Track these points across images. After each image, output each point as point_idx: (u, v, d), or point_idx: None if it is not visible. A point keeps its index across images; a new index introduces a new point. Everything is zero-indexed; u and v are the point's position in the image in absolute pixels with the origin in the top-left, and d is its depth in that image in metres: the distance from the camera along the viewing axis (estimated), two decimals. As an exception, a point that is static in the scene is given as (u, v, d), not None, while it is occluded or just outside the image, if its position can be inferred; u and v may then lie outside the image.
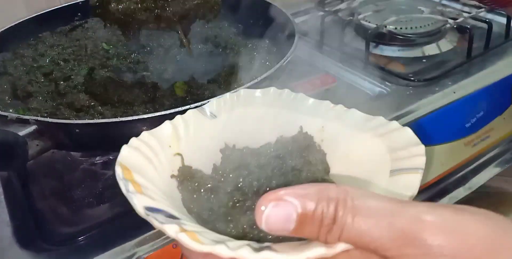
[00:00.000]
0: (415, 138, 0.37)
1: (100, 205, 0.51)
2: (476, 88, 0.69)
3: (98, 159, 0.53)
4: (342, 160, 0.40)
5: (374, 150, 0.38)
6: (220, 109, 0.42)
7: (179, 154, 0.38)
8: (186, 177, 0.37)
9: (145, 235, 0.45)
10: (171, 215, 0.29)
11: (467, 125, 0.68)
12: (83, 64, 0.61)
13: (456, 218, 0.23)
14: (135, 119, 0.41)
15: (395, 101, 0.65)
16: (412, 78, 0.70)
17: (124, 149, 0.34)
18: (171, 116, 0.40)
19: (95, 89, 0.55)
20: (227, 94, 0.43)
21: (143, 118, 0.41)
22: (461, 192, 0.67)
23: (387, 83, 0.70)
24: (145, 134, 0.36)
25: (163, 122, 0.39)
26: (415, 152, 0.36)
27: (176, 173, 0.37)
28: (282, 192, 0.24)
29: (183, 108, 0.41)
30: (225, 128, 0.42)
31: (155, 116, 0.41)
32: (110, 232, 0.46)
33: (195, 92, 0.54)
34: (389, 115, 0.61)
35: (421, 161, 0.34)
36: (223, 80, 0.56)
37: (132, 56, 0.65)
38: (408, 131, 0.38)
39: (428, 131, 0.65)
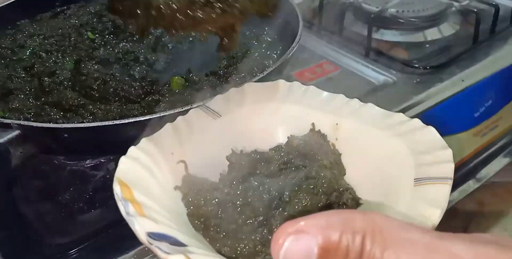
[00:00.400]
0: (441, 140, 0.34)
1: (92, 210, 0.47)
2: (485, 75, 0.65)
3: (88, 163, 0.49)
4: (359, 161, 0.37)
5: (395, 151, 0.35)
6: (225, 107, 0.38)
7: (182, 161, 0.34)
8: (191, 188, 0.33)
9: (144, 245, 0.42)
10: (176, 241, 0.26)
11: (476, 114, 0.65)
12: (68, 55, 0.56)
13: (499, 257, 0.20)
14: (131, 122, 0.37)
15: (402, 91, 0.62)
16: (418, 65, 0.66)
17: (122, 161, 0.30)
18: (169, 117, 0.36)
19: (84, 86, 0.50)
20: (232, 90, 0.39)
21: (139, 121, 0.37)
22: (471, 185, 0.65)
23: (391, 70, 0.67)
24: (144, 142, 0.33)
25: (161, 122, 0.36)
26: (442, 157, 0.33)
27: (180, 183, 0.33)
28: (302, 223, 0.21)
29: (184, 109, 0.37)
30: (231, 128, 0.38)
31: (152, 118, 0.37)
32: (106, 243, 0.43)
33: (193, 87, 0.50)
34: (399, 106, 0.58)
35: (449, 169, 0.32)
36: (223, 73, 0.51)
37: (120, 45, 0.60)
38: (432, 131, 0.35)
39: (437, 122, 0.61)
